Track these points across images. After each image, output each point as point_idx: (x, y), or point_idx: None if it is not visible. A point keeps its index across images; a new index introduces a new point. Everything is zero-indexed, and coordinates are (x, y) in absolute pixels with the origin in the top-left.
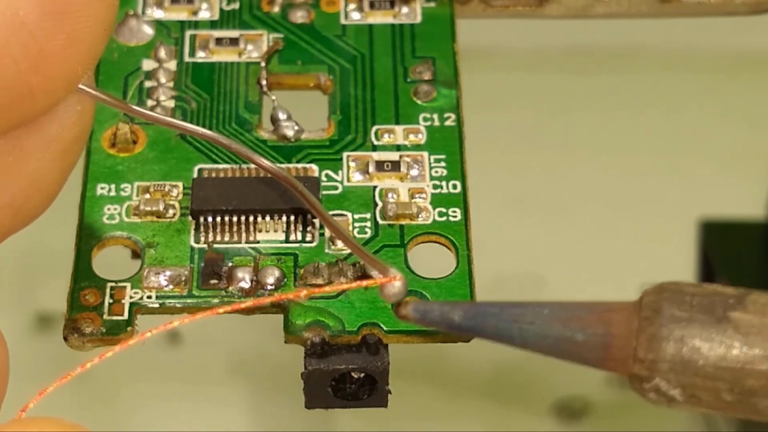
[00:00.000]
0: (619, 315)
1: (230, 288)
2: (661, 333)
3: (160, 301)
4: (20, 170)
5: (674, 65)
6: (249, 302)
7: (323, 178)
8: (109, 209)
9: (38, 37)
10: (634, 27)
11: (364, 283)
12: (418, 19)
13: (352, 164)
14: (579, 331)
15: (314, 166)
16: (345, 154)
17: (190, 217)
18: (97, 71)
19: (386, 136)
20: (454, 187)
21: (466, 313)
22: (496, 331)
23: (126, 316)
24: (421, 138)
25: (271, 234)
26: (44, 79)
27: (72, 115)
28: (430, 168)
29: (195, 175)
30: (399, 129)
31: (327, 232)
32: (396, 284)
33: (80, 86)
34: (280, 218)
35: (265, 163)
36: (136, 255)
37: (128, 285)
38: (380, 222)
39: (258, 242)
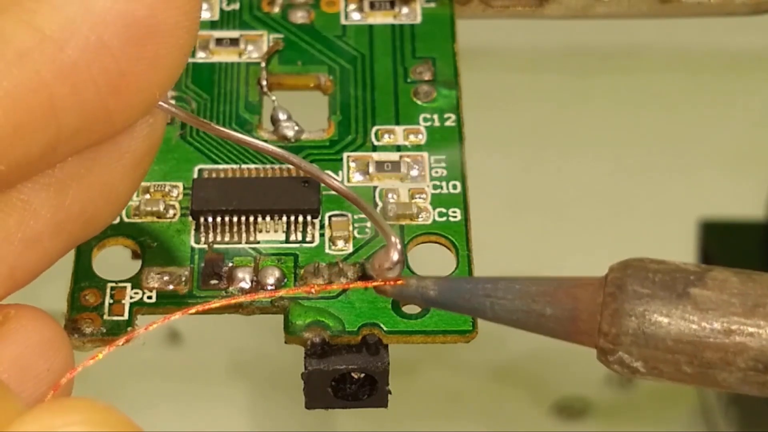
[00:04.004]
0: (585, 291)
1: (230, 288)
2: (624, 308)
3: (161, 302)
4: (92, 182)
5: (674, 65)
6: (242, 297)
7: None
8: None
9: (121, 61)
10: (634, 27)
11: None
12: (418, 19)
13: (352, 165)
14: (547, 305)
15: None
16: (345, 155)
17: (190, 218)
18: None
19: (386, 136)
20: (454, 187)
21: (441, 288)
22: (469, 305)
23: (126, 316)
24: (421, 138)
25: (271, 234)
26: (123, 103)
27: (144, 128)
28: (430, 168)
29: (195, 175)
30: (399, 129)
31: (327, 233)
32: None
33: None
34: (280, 218)
35: (335, 183)
36: (136, 255)
37: (128, 285)
38: None
39: (258, 242)
